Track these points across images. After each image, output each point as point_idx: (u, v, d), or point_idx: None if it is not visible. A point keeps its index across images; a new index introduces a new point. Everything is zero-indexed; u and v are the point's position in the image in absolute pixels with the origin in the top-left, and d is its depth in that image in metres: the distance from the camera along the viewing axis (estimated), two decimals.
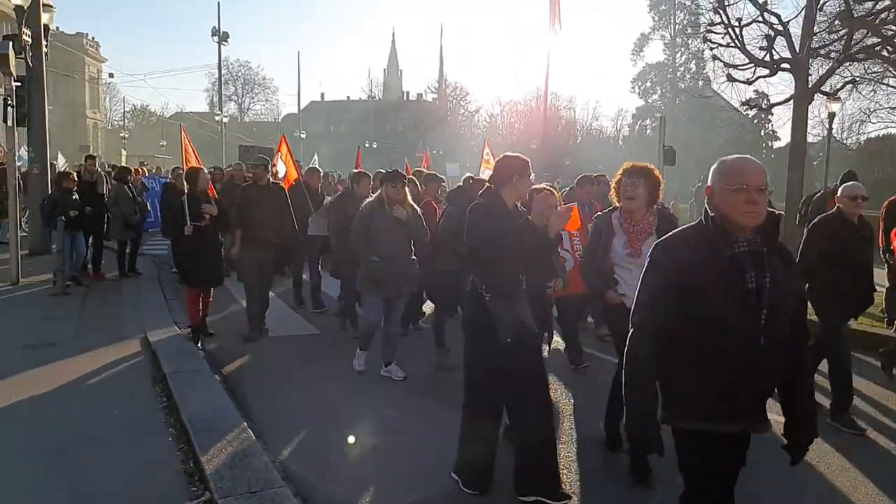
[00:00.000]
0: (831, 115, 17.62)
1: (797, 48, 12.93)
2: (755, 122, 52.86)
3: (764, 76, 13.42)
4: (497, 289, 3.52)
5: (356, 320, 7.06)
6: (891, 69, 15.83)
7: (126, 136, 54.59)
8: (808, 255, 4.91)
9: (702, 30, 13.98)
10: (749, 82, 13.98)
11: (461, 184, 6.74)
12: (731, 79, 13.86)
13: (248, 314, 7.18)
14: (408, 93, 73.11)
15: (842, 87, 15.06)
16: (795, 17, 13.03)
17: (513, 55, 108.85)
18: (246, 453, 3.87)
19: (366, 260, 5.62)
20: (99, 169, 11.56)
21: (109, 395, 5.15)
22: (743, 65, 13.86)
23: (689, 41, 55.10)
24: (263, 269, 7.07)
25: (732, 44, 13.45)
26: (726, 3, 13.13)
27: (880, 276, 7.12)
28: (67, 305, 8.34)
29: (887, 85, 20.56)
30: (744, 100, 16.92)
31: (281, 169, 9.54)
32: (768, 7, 13.16)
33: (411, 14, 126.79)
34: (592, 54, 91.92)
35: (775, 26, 13.19)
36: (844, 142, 41.48)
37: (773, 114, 44.80)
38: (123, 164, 23.50)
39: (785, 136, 50.87)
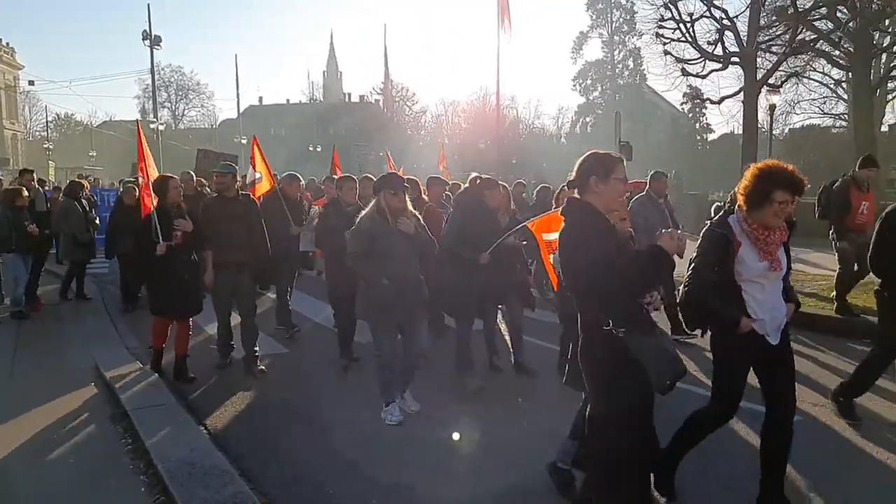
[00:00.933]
0: (772, 107, 18.09)
1: (745, 42, 13.12)
2: (689, 116, 54.47)
3: (717, 70, 13.60)
4: (630, 321, 2.74)
5: (349, 348, 6.30)
6: (811, 64, 16.37)
7: (50, 146, 51.70)
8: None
9: (650, 26, 14.08)
10: (702, 76, 14.15)
11: (467, 185, 6.21)
12: (685, 73, 13.98)
13: (219, 343, 6.33)
14: (349, 94, 72.20)
15: (786, 80, 15.45)
16: (743, 11, 13.24)
17: (453, 55, 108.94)
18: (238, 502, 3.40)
19: (371, 284, 4.72)
20: (36, 184, 10.63)
21: (62, 440, 4.54)
22: (694, 59, 14.01)
23: (626, 39, 56.51)
24: (240, 294, 6.17)
25: (683, 38, 13.55)
26: None
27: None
28: (4, 327, 7.65)
29: (809, 78, 21.39)
30: (680, 96, 17.18)
31: (253, 176, 8.32)
32: (715, 3, 13.30)
33: (349, 15, 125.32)
34: (531, 53, 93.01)
35: (723, 21, 13.36)
36: (773, 133, 43.33)
37: (706, 107, 46.28)
38: (51, 176, 22.10)
39: (719, 129, 52.81)
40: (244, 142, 44.97)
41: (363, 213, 4.84)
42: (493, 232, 5.49)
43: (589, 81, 57.99)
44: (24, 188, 8.94)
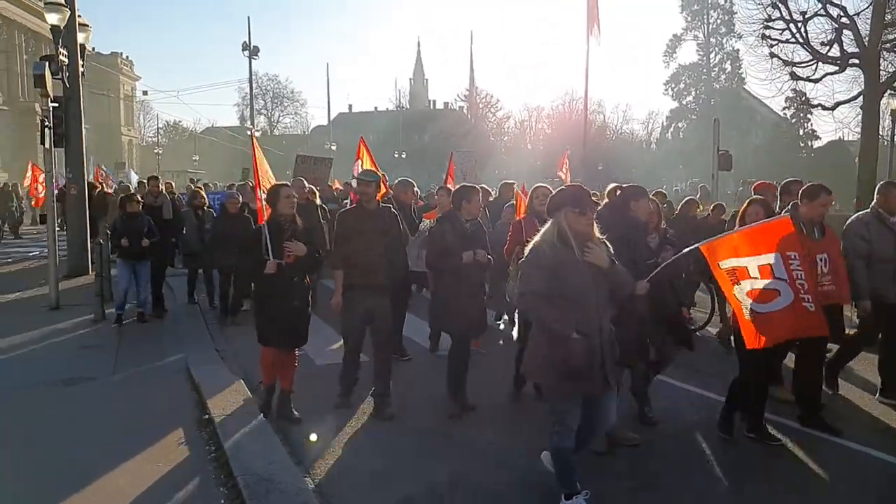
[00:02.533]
0: (894, 112, 16.57)
1: (866, 42, 12.05)
2: (793, 121, 51.21)
3: (832, 73, 12.57)
4: None
5: (462, 392, 5.31)
6: None
7: (160, 152, 55.21)
8: None
9: (754, 27, 13.18)
10: (814, 80, 13.14)
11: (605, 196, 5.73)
12: (795, 77, 13.01)
13: (343, 378, 5.44)
14: (434, 102, 72.94)
15: None
16: (865, 9, 12.16)
17: (539, 60, 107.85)
18: None
19: (562, 337, 3.39)
20: (164, 190, 10.59)
21: (153, 442, 4.65)
22: (805, 62, 13.02)
23: (724, 41, 53.95)
24: (377, 320, 5.26)
25: (793, 40, 12.62)
26: None
27: None
28: (107, 333, 7.97)
29: None
30: (782, 101, 15.95)
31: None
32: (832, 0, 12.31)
33: (436, 24, 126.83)
34: (620, 56, 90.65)
35: (841, 19, 12.34)
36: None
37: (812, 113, 43.35)
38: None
39: (826, 136, 49.30)
40: (334, 148, 46.28)
41: (538, 237, 3.55)
42: (644, 256, 4.50)
43: (682, 85, 55.78)
44: (139, 196, 9.29)
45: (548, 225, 3.56)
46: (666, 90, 56.09)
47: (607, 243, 3.59)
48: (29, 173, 20.40)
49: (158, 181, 10.07)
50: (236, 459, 4.15)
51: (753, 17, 13.00)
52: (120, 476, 4.12)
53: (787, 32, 12.73)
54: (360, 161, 7.87)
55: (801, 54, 13.02)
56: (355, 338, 5.36)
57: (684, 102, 56.02)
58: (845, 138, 40.82)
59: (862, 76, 12.14)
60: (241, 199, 9.06)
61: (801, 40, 12.56)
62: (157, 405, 5.46)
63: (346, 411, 5.31)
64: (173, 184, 20.89)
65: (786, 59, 13.23)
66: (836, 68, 12.48)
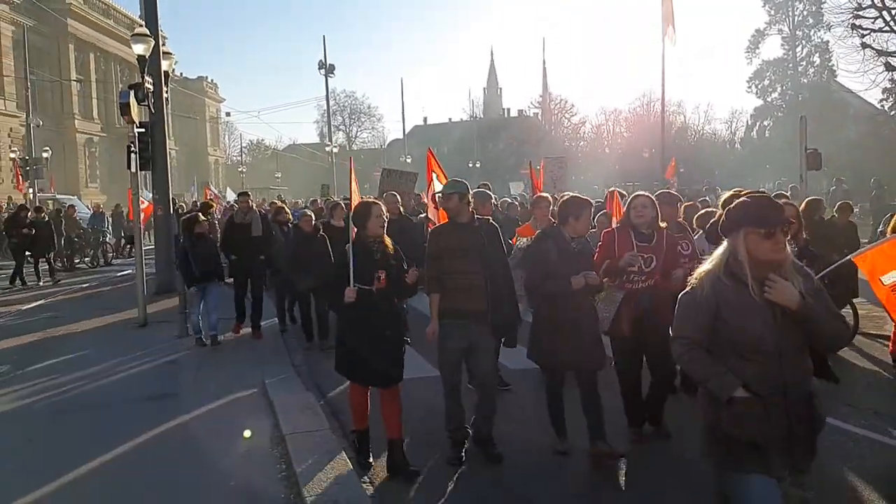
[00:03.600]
0: None
1: None
2: (893, 114, 47.66)
3: None
4: None
5: (563, 434, 4.81)
6: None
7: (244, 170, 57.71)
8: None
9: (843, 17, 12.31)
10: None
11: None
12: (889, 67, 12.10)
13: (449, 425, 4.70)
14: (508, 110, 72.73)
15: None
16: None
17: (614, 63, 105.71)
18: None
19: (718, 398, 2.58)
20: (254, 206, 10.04)
21: (226, 457, 4.77)
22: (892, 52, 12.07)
23: (812, 33, 51.08)
24: (477, 354, 4.64)
25: (887, 28, 11.73)
26: None
27: None
28: (189, 350, 8.24)
29: None
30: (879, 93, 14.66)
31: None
32: None
33: (508, 32, 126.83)
34: (699, 55, 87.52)
35: None
36: None
37: None
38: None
39: None
40: (409, 160, 46.93)
41: (705, 266, 2.71)
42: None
43: (767, 82, 53.06)
44: (202, 214, 8.80)
45: (718, 250, 2.69)
46: (749, 87, 53.59)
47: (803, 272, 2.63)
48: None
49: (249, 197, 9.69)
50: (304, 479, 4.19)
51: (842, 7, 12.21)
52: (196, 490, 4.24)
53: (879, 21, 11.83)
54: (432, 175, 7.02)
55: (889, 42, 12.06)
56: (453, 373, 4.69)
57: (769, 99, 53.31)
58: None
59: None
60: (313, 217, 8.68)
61: (893, 28, 11.65)
62: (234, 421, 5.61)
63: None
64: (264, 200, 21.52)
65: (879, 48, 12.30)
66: None
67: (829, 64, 50.50)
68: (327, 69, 36.73)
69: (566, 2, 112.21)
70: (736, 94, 77.49)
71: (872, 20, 11.88)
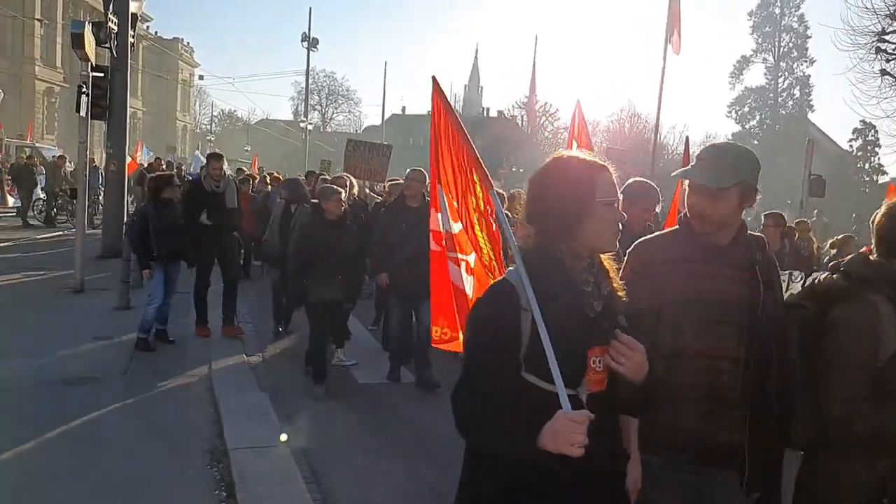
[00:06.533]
0: None
1: None
2: (857, 154, 48.74)
3: None
4: None
5: None
6: None
7: (212, 139, 55.73)
8: None
9: (866, 40, 11.82)
10: None
11: None
12: None
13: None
14: (488, 109, 72.05)
15: None
16: None
17: (600, 72, 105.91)
18: None
19: None
20: (227, 172, 7.95)
21: (152, 475, 3.79)
22: None
23: (795, 65, 51.76)
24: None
25: None
26: None
27: None
28: (127, 324, 6.91)
29: None
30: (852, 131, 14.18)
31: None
32: None
33: (495, 30, 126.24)
34: (680, 77, 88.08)
35: None
36: None
37: (880, 145, 41.66)
38: None
39: (893, 171, 46.74)
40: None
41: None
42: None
43: (747, 109, 53.68)
44: (174, 177, 7.08)
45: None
46: (730, 112, 54.11)
47: None
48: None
49: (222, 160, 7.43)
50: None
51: (867, 29, 11.74)
52: None
53: None
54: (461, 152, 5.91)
55: None
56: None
57: (747, 126, 53.90)
58: None
59: None
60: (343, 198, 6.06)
61: None
62: (167, 423, 4.61)
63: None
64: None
65: None
66: None
67: (809, 99, 51.45)
68: (310, 42, 35.43)
69: (556, 5, 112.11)
70: (713, 118, 78.30)
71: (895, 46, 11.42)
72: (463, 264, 2.28)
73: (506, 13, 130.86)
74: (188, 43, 65.16)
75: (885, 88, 12.37)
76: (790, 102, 53.23)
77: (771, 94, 53.08)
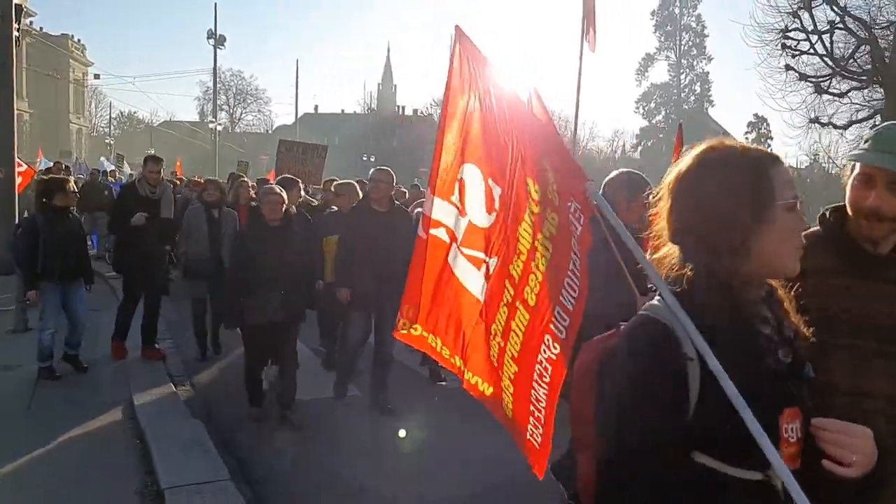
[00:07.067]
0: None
1: (886, 59, 11.38)
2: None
3: (856, 88, 11.87)
4: None
5: None
6: None
7: (112, 142, 52.44)
8: None
9: (772, 36, 12.41)
10: (839, 94, 12.43)
11: None
12: (820, 90, 12.28)
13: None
14: (403, 108, 71.71)
15: None
16: (887, 26, 11.49)
17: (518, 69, 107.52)
18: None
19: None
20: (164, 178, 7.05)
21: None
22: (818, 77, 12.30)
23: (695, 63, 54.49)
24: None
25: (812, 51, 11.89)
26: (813, 4, 11.54)
27: None
28: (26, 349, 5.99)
29: None
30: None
31: None
32: (851, 12, 11.59)
33: (407, 29, 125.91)
34: (589, 74, 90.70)
35: (859, 34, 11.64)
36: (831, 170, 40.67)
37: (772, 138, 44.67)
38: (125, 169, 21.04)
39: (786, 162, 50.41)
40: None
41: None
42: None
43: (653, 104, 56.09)
44: (70, 182, 5.97)
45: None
46: (637, 108, 56.32)
47: None
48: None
49: (160, 164, 6.49)
50: None
51: (772, 26, 12.31)
52: None
53: (805, 44, 12.00)
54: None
55: (817, 66, 12.28)
56: None
57: (654, 121, 56.33)
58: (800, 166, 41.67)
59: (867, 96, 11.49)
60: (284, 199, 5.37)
61: (823, 52, 11.84)
62: (84, 463, 4.00)
63: None
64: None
65: (801, 71, 12.50)
66: (859, 84, 11.81)
67: (709, 94, 54.37)
68: (217, 39, 33.83)
69: (470, 4, 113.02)
70: (621, 115, 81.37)
71: (797, 42, 12.02)
72: (483, 267, 1.75)
73: (418, 10, 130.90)
74: (79, 40, 61.03)
75: (789, 82, 13.03)
76: (692, 98, 56.03)
77: (674, 91, 55.67)
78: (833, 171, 30.62)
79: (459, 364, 1.84)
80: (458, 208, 1.81)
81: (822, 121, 13.23)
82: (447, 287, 1.83)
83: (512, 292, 1.67)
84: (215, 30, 33.51)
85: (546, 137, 1.67)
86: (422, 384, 5.96)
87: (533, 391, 1.60)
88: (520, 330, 1.65)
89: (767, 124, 45.95)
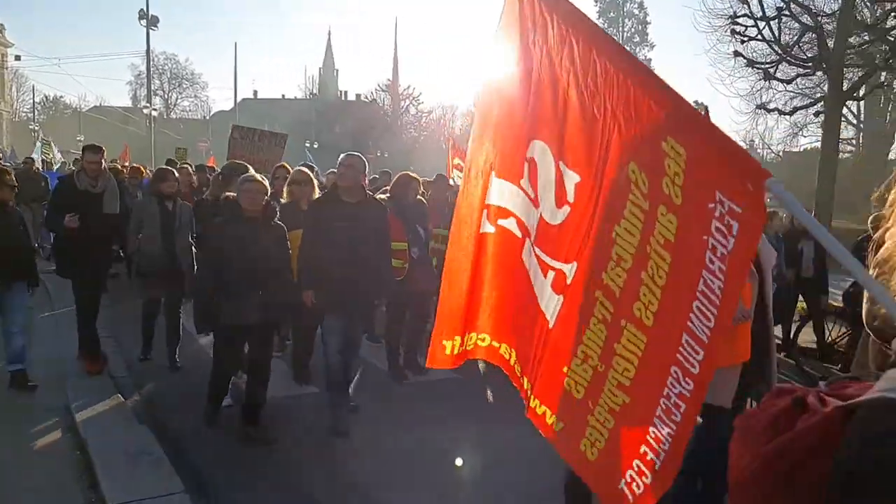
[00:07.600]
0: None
1: (831, 47, 11.68)
2: None
3: (803, 74, 12.14)
4: None
5: None
6: None
7: (36, 128, 49.57)
8: None
9: (720, 23, 12.61)
10: (786, 81, 12.69)
11: None
12: (768, 76, 12.49)
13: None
14: (345, 92, 70.49)
15: (869, 92, 14.00)
16: (832, 14, 11.78)
17: (454, 58, 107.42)
18: None
19: None
20: (106, 168, 6.13)
21: None
22: (766, 63, 12.53)
23: (638, 50, 55.48)
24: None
25: (760, 37, 12.09)
26: None
27: None
28: None
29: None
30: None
31: None
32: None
33: (347, 14, 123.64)
34: None
35: (804, 21, 11.91)
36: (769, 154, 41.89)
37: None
38: (52, 157, 19.61)
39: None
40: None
41: None
42: None
43: None
44: (10, 173, 5.28)
45: None
46: None
47: None
48: None
49: (100, 153, 5.77)
50: None
51: (721, 12, 12.47)
52: None
53: (753, 30, 12.20)
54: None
55: (765, 53, 12.50)
56: None
57: None
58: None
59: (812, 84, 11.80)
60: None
61: (770, 38, 12.04)
62: (15, 477, 3.56)
63: None
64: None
65: (749, 57, 12.72)
66: (806, 70, 12.08)
67: None
68: (149, 20, 32.19)
69: None
70: None
71: (745, 28, 12.20)
72: (552, 274, 1.39)
73: None
74: None
75: (737, 68, 13.25)
76: None
77: None
78: (769, 158, 31.40)
79: (528, 387, 1.49)
80: (529, 197, 1.41)
81: (769, 107, 13.58)
82: (524, 294, 1.46)
83: (610, 308, 1.33)
84: (147, 10, 31.86)
85: (676, 107, 1.26)
86: (386, 381, 5.69)
87: (653, 429, 1.26)
88: (632, 354, 1.30)
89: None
